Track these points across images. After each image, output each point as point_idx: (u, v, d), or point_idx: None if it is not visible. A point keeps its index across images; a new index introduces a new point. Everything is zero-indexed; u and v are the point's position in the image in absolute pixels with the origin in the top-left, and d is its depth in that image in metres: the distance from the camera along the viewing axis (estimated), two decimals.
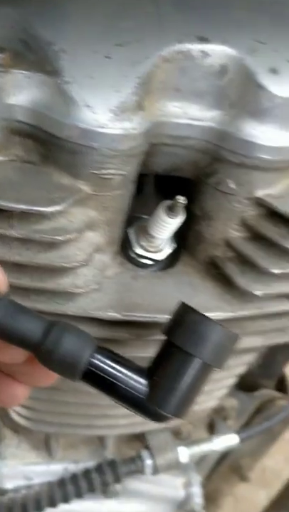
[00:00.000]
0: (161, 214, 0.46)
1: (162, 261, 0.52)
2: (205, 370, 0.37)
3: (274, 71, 0.42)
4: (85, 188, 0.41)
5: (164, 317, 0.46)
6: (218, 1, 0.45)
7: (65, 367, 0.35)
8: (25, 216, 0.39)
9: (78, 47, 0.40)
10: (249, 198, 0.45)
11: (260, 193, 0.45)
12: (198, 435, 0.77)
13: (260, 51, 0.42)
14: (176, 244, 0.51)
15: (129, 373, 0.37)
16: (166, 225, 0.46)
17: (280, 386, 0.92)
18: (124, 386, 0.37)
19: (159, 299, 0.47)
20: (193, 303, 0.47)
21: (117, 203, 0.44)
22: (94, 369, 0.36)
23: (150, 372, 0.38)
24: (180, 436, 0.67)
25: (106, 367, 0.36)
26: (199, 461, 0.79)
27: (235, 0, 0.45)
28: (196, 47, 0.41)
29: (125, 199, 0.45)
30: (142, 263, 0.51)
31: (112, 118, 0.38)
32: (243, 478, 0.94)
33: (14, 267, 0.42)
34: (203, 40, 0.42)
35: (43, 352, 0.34)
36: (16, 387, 0.39)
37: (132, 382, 0.37)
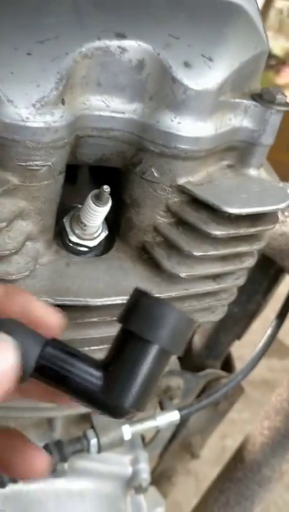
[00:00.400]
0: (90, 203, 0.48)
1: (97, 247, 0.55)
2: (163, 357, 0.35)
3: (188, 65, 0.45)
4: (13, 179, 0.43)
5: (94, 300, 0.48)
6: None
7: None
8: None
9: (0, 44, 0.41)
10: (172, 185, 0.48)
11: (181, 180, 0.48)
12: (147, 415, 0.80)
13: (174, 46, 0.45)
14: (107, 231, 0.53)
15: (82, 366, 0.35)
16: (96, 213, 0.49)
17: (226, 366, 0.97)
18: (77, 379, 0.35)
19: (90, 284, 0.50)
20: (123, 285, 0.51)
21: (46, 193, 0.46)
22: (45, 365, 0.35)
23: (105, 364, 0.36)
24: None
25: (57, 360, 0.35)
26: (151, 441, 0.83)
27: None
28: (114, 43, 0.44)
29: (54, 189, 0.47)
30: (78, 250, 0.54)
31: (33, 112, 0.40)
32: (194, 455, 0.98)
33: None
34: (120, 36, 0.44)
35: None
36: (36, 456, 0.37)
37: (86, 375, 0.35)
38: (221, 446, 1.80)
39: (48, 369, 0.35)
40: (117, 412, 0.35)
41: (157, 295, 0.51)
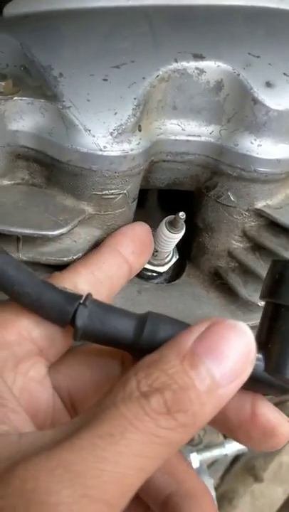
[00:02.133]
0: (163, 229, 0.47)
1: (167, 273, 0.53)
2: None
3: (269, 85, 0.42)
4: (88, 208, 0.42)
5: None
6: (212, 17, 0.46)
7: None
8: (31, 239, 0.40)
9: (76, 70, 0.41)
10: (249, 209, 0.46)
11: (259, 204, 0.46)
12: (211, 439, 0.78)
13: (254, 65, 0.43)
14: (178, 256, 0.52)
15: None
16: (169, 240, 0.47)
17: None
18: None
19: (162, 312, 0.48)
20: (197, 314, 0.49)
21: (119, 220, 0.45)
22: None
23: (261, 343, 0.34)
24: (192, 442, 0.68)
25: None
26: (213, 462, 0.80)
27: (230, 15, 0.46)
28: (191, 64, 0.42)
29: (127, 216, 0.46)
30: (148, 275, 0.52)
31: (110, 141, 0.39)
32: (257, 478, 0.94)
33: None
34: (198, 57, 0.42)
35: (141, 350, 0.33)
36: None
37: None
38: (278, 462, 1.74)
39: None
40: (284, 387, 0.34)
41: None
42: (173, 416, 0.29)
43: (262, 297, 0.36)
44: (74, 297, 0.36)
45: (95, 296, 0.37)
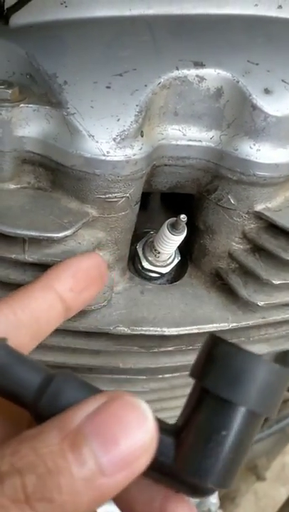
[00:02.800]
0: (165, 231, 0.48)
1: (170, 273, 0.55)
2: (252, 421, 0.29)
3: (268, 91, 0.44)
4: (92, 211, 0.44)
5: (170, 330, 0.48)
6: (212, 26, 0.47)
7: None
8: (37, 241, 0.42)
9: (80, 78, 0.42)
10: (249, 212, 0.47)
11: (258, 207, 0.47)
12: None
13: (253, 72, 0.44)
14: (180, 258, 0.53)
15: None
16: (171, 241, 0.49)
17: None
18: None
19: (165, 312, 0.49)
20: (198, 314, 0.50)
21: (122, 223, 0.46)
22: None
23: (178, 428, 0.30)
24: None
25: None
26: None
27: (229, 23, 0.47)
28: (192, 72, 0.43)
29: (130, 218, 0.47)
30: (150, 276, 0.54)
31: (113, 146, 0.41)
32: (260, 477, 0.95)
33: None
34: (198, 65, 0.44)
35: (40, 414, 0.29)
36: None
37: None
38: (281, 463, 1.75)
39: None
40: (196, 489, 0.29)
41: (235, 324, 0.50)
42: (31, 505, 0.24)
43: (190, 375, 0.31)
44: None
45: (12, 340, 0.32)
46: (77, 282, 0.39)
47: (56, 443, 0.26)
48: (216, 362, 0.29)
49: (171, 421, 0.31)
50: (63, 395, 0.29)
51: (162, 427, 0.29)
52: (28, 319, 0.36)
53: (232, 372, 0.28)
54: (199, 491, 0.29)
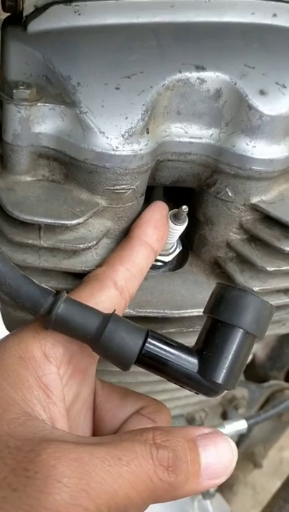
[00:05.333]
0: (168, 222, 0.52)
1: (172, 262, 0.58)
2: (249, 340, 0.41)
3: (263, 92, 0.48)
4: (102, 201, 0.48)
5: (173, 312, 0.52)
6: (212, 32, 0.51)
7: (119, 360, 0.41)
8: (51, 228, 0.46)
9: (91, 80, 0.46)
10: (245, 204, 0.51)
11: (254, 199, 0.51)
12: (212, 423, 0.83)
13: (249, 75, 0.48)
14: (181, 247, 0.57)
15: (180, 354, 0.41)
16: (173, 231, 0.52)
17: None
18: (177, 365, 0.41)
19: (167, 297, 0.53)
20: (198, 299, 0.54)
21: (129, 213, 0.50)
22: (148, 355, 0.41)
23: (198, 349, 0.42)
24: (194, 423, 0.73)
25: (158, 351, 0.41)
26: None
27: (228, 30, 0.51)
28: (193, 75, 0.47)
29: (136, 209, 0.51)
30: (154, 265, 0.57)
31: (122, 142, 0.45)
32: (256, 465, 0.99)
33: (43, 272, 0.49)
34: (199, 68, 0.48)
35: (100, 346, 0.40)
36: None
37: (184, 361, 0.41)
38: (278, 458, 1.78)
39: (150, 357, 0.41)
40: (212, 389, 0.41)
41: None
42: (168, 472, 0.36)
43: (204, 313, 0.43)
44: (47, 292, 0.40)
45: (130, 288, 0.45)
46: (160, 232, 0.49)
47: (183, 442, 0.38)
48: (224, 300, 0.41)
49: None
50: (117, 333, 0.40)
51: (187, 349, 0.42)
52: (137, 272, 0.47)
53: (236, 306, 0.40)
54: (213, 391, 0.42)
